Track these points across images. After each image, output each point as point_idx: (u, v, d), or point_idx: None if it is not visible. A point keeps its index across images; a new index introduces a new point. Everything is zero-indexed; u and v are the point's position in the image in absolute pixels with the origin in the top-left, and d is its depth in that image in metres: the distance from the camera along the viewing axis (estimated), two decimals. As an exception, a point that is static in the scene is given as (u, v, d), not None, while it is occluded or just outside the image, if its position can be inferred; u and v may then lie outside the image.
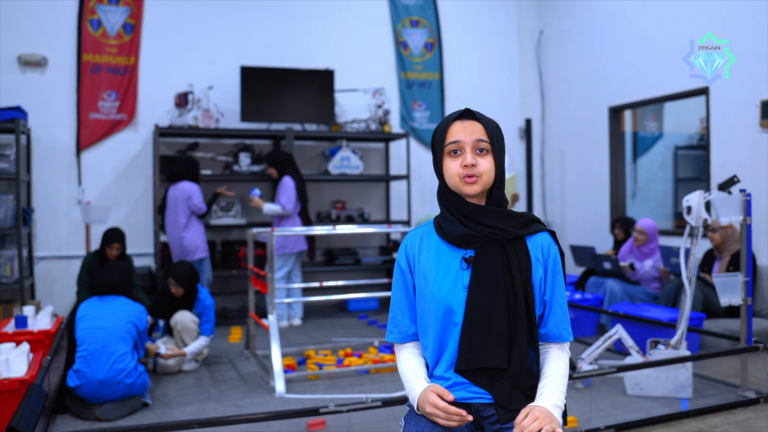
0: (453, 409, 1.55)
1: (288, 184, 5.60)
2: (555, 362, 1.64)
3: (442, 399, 1.57)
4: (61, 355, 3.89)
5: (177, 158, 5.83)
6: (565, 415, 1.62)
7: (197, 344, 4.36)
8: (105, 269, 3.97)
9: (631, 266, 5.38)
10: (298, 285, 4.63)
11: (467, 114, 1.65)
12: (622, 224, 5.92)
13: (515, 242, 1.62)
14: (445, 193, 1.67)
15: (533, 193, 7.39)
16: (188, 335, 4.38)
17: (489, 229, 1.60)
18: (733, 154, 5.28)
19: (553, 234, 1.68)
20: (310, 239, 5.79)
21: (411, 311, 1.73)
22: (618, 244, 5.93)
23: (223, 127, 6.12)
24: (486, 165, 1.60)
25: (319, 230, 4.84)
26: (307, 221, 5.75)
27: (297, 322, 5.88)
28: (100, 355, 3.48)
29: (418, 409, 1.63)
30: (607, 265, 5.50)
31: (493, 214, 1.61)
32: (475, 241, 1.62)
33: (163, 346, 4.29)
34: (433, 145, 1.68)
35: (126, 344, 3.58)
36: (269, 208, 5.59)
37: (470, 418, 1.56)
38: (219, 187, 5.80)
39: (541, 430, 1.47)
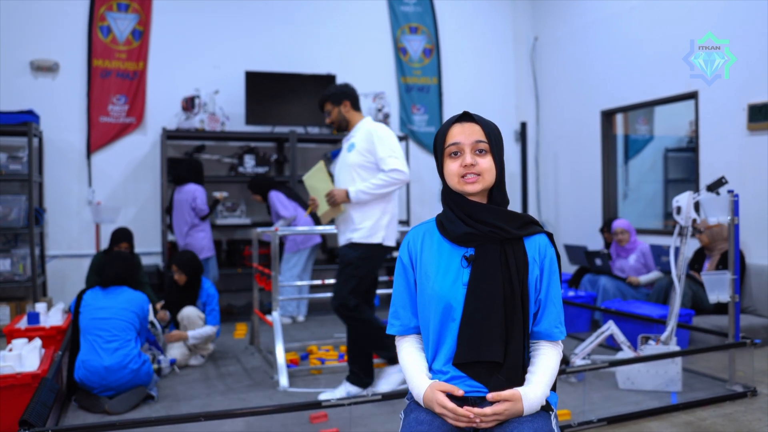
0: (461, 411, 1.56)
1: (274, 196, 5.75)
2: (545, 357, 1.66)
3: (452, 397, 1.60)
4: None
5: (181, 160, 5.89)
6: (549, 407, 1.66)
7: (201, 330, 4.43)
8: (109, 260, 3.95)
9: (608, 255, 5.60)
10: (302, 283, 4.74)
11: (466, 117, 1.68)
12: (609, 228, 6.00)
13: (513, 242, 1.64)
14: (448, 193, 1.70)
15: (528, 194, 7.47)
16: (193, 329, 4.46)
17: (489, 228, 1.62)
18: (721, 156, 5.32)
19: (550, 236, 1.71)
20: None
21: (412, 305, 1.74)
22: (608, 246, 6.02)
23: (228, 130, 6.20)
24: (485, 164, 1.63)
25: (321, 230, 4.90)
26: (313, 215, 5.86)
27: (300, 318, 5.99)
28: (103, 342, 3.53)
29: (425, 405, 1.65)
30: (598, 262, 5.61)
31: (493, 212, 1.65)
32: (476, 240, 1.64)
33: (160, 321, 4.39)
34: (435, 148, 1.72)
35: (128, 332, 3.62)
36: (281, 224, 5.72)
37: (478, 420, 1.56)
38: (220, 194, 5.82)
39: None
